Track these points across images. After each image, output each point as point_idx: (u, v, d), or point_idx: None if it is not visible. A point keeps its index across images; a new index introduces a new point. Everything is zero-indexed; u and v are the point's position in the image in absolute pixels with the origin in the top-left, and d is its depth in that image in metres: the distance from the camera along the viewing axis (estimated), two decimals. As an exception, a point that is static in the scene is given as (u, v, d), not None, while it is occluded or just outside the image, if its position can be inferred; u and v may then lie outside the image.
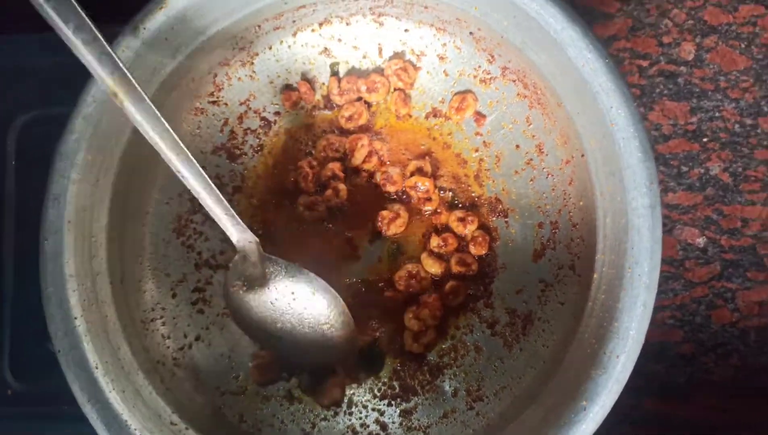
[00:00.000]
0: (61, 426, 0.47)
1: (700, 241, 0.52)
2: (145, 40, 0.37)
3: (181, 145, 0.34)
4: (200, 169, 0.35)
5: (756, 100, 0.52)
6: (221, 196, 0.37)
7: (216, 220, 0.38)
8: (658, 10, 0.53)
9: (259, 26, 0.42)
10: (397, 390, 0.44)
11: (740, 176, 0.52)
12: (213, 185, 0.36)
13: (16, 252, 0.48)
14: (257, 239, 0.39)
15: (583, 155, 0.39)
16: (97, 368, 0.37)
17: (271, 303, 0.40)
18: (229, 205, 0.37)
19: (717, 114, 0.52)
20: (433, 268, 0.44)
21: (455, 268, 0.44)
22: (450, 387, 0.44)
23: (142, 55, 0.38)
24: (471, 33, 0.42)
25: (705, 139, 0.52)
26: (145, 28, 0.37)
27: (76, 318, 0.37)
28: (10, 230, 0.49)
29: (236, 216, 0.37)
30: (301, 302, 0.41)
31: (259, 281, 0.40)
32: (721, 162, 0.52)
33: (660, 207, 0.35)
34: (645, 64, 0.53)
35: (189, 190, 0.36)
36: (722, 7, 0.53)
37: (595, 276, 0.39)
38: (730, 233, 0.52)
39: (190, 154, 0.35)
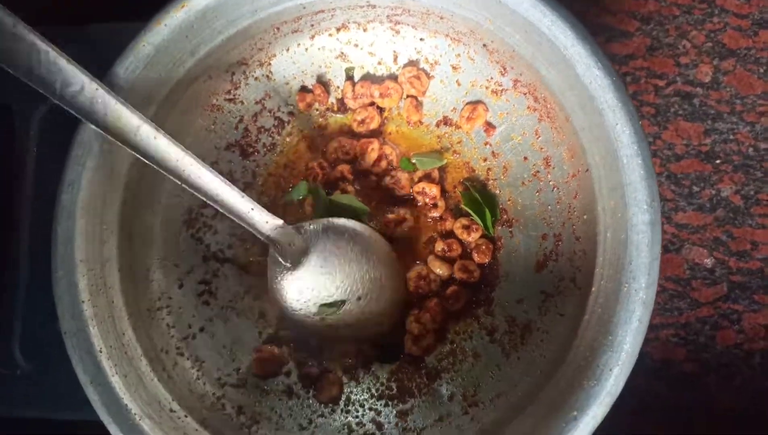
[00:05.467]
0: (69, 406, 0.48)
1: (708, 261, 0.52)
2: (165, 37, 0.38)
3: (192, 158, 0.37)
4: (214, 174, 0.37)
5: (771, 124, 0.52)
6: (242, 194, 0.38)
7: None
8: (677, 30, 0.53)
9: (277, 28, 0.43)
10: (395, 391, 0.45)
11: (752, 199, 0.52)
12: (231, 186, 0.38)
13: (32, 237, 0.49)
14: (282, 220, 0.40)
15: (587, 170, 0.39)
16: (101, 352, 0.38)
17: (321, 266, 0.42)
18: (250, 200, 0.38)
19: (731, 136, 0.52)
20: (440, 269, 0.45)
21: (458, 275, 0.45)
22: (447, 391, 0.44)
23: (162, 51, 0.39)
24: (484, 45, 0.43)
25: (718, 161, 0.52)
26: (166, 25, 0.38)
27: (83, 302, 0.38)
28: (27, 215, 0.50)
29: (260, 208, 0.39)
30: (343, 250, 0.42)
31: (302, 253, 0.42)
32: (733, 184, 0.52)
33: (660, 225, 0.36)
34: (661, 83, 0.53)
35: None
36: (742, 31, 0.53)
37: (593, 289, 0.39)
38: (738, 255, 0.52)
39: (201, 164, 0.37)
